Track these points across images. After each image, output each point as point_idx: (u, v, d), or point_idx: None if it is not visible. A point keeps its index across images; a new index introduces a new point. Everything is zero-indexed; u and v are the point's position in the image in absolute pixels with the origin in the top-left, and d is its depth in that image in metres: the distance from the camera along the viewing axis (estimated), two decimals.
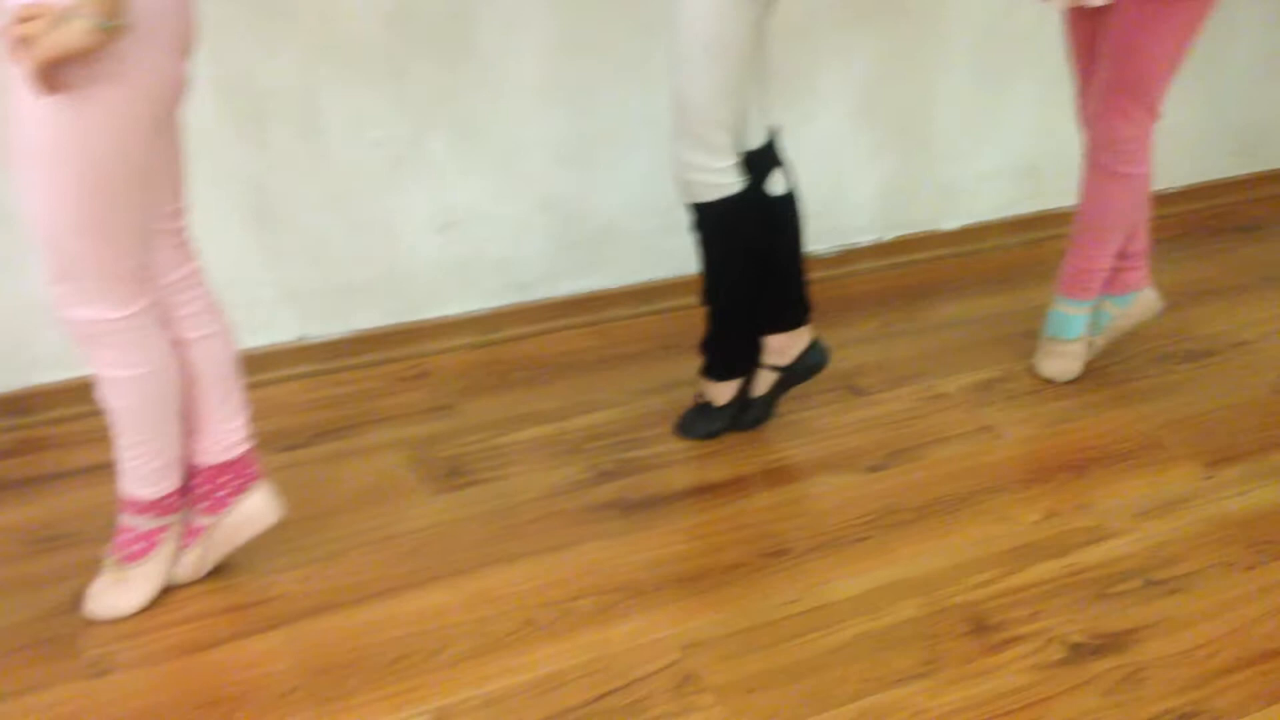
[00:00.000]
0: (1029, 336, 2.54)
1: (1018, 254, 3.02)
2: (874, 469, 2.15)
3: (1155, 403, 2.35)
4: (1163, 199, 3.24)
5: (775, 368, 2.24)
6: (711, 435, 2.22)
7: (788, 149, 2.77)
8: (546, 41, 2.39)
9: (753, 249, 2.09)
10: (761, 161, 2.10)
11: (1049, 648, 1.73)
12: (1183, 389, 2.40)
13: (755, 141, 2.08)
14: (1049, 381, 2.41)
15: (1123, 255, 2.43)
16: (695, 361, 2.25)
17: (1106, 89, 2.23)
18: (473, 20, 2.32)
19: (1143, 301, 2.49)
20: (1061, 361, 2.44)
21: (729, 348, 2.21)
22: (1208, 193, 3.25)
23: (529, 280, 2.53)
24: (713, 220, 2.06)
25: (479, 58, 2.35)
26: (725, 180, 2.01)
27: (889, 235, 2.91)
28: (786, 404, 2.31)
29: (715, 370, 2.23)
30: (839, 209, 2.85)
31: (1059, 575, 1.88)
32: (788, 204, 2.14)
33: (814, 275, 2.87)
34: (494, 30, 2.34)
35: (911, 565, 1.90)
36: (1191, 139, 3.18)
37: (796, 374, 2.25)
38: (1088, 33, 2.28)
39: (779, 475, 2.12)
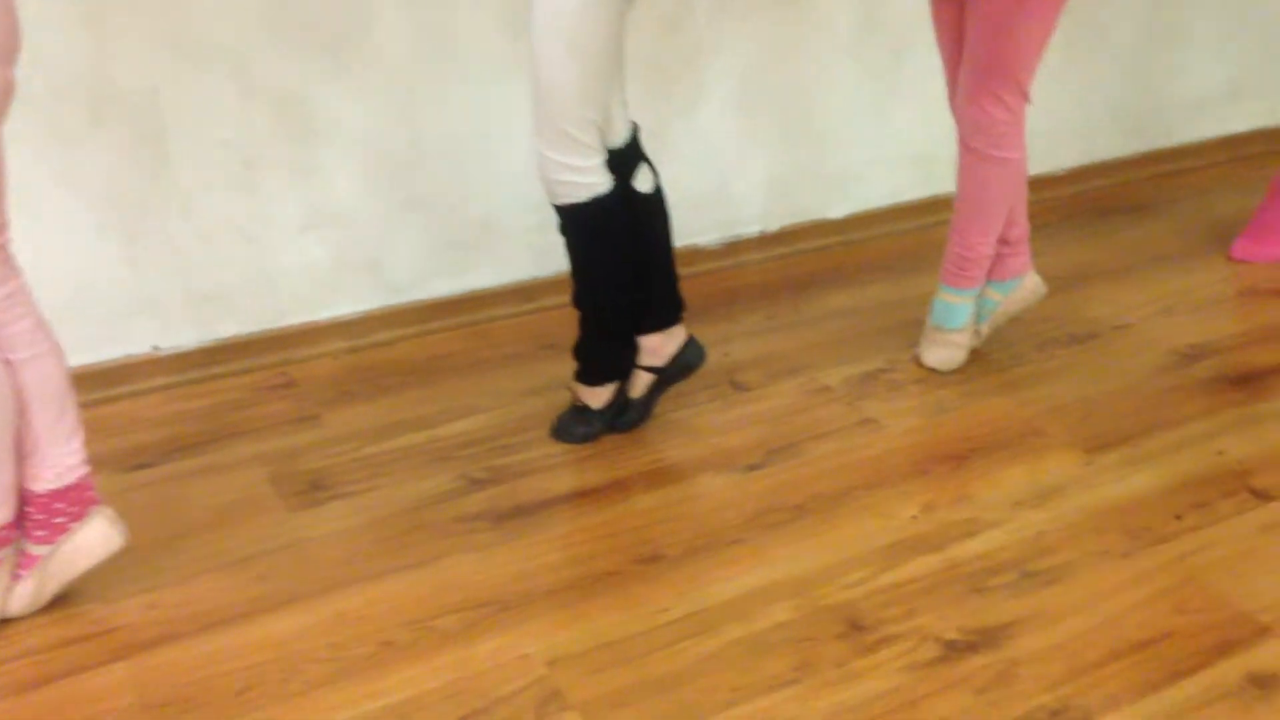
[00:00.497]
0: (917, 325, 2.52)
1: (908, 240, 3.00)
2: (753, 468, 2.10)
3: (1037, 389, 2.35)
4: (1050, 181, 3.26)
5: (651, 368, 2.18)
6: (588, 439, 2.15)
7: (670, 141, 2.74)
8: (409, 33, 2.30)
9: (622, 249, 2.03)
10: (626, 159, 2.03)
11: (922, 646, 1.70)
12: (1064, 374, 2.40)
13: (619, 139, 2.02)
14: (933, 371, 2.41)
15: (1004, 241, 2.41)
16: (564, 363, 2.19)
17: (976, 73, 2.20)
18: (327, 11, 2.22)
19: (1026, 287, 2.48)
20: (945, 350, 2.43)
21: (602, 351, 2.14)
22: (1096, 173, 3.27)
23: (401, 282, 2.44)
24: (582, 221, 1.99)
25: (335, 51, 2.25)
26: (593, 180, 1.94)
27: (776, 225, 2.87)
28: (667, 402, 2.26)
29: (589, 374, 2.16)
30: (724, 200, 2.80)
31: (935, 570, 1.85)
32: (655, 201, 2.09)
33: (700, 268, 2.86)
34: (352, 21, 2.24)
35: (787, 566, 1.86)
36: (1077, 120, 3.19)
37: (672, 373, 2.20)
38: (954, 17, 2.25)
39: (656, 477, 2.07)
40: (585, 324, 2.14)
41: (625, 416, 2.19)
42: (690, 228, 2.77)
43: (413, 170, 2.39)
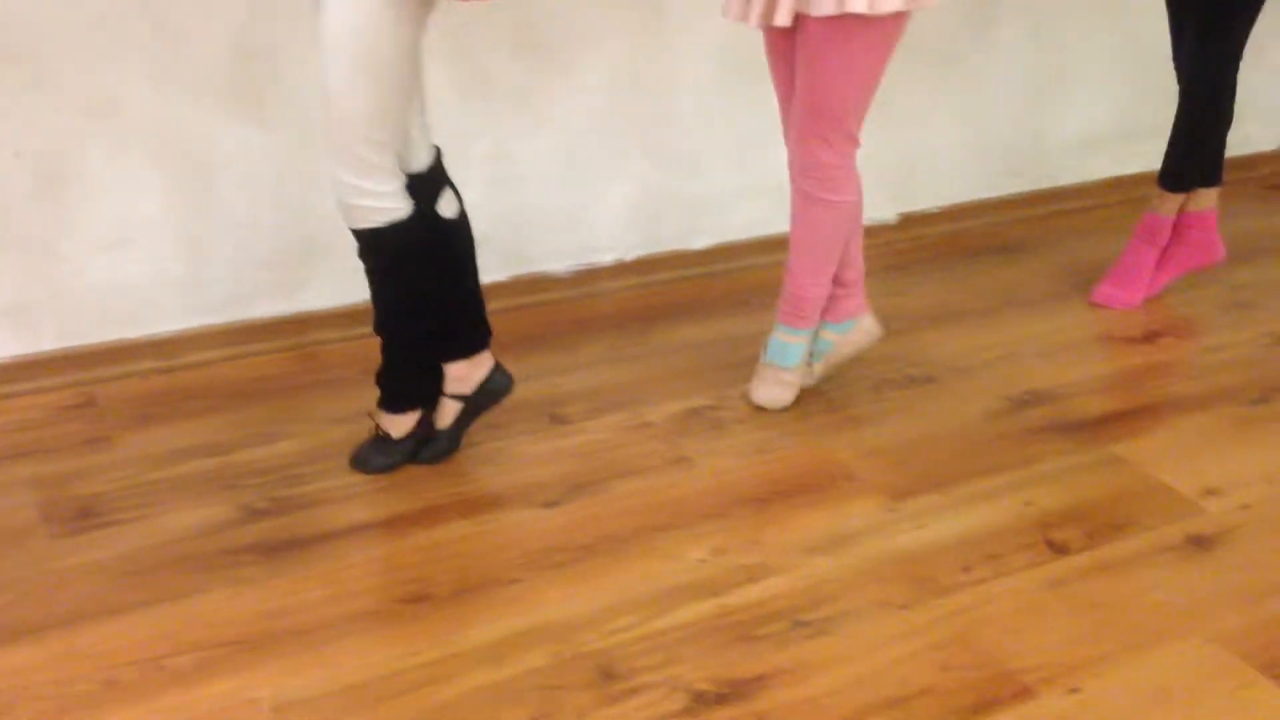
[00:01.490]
0: (756, 361, 2.47)
1: (768, 274, 2.93)
2: (550, 504, 2.06)
3: (860, 431, 2.31)
4: (924, 219, 3.23)
5: (458, 396, 2.15)
6: (388, 469, 2.11)
7: (521, 163, 2.69)
8: (227, 41, 2.26)
9: (423, 275, 2.00)
10: (429, 183, 2.00)
11: (670, 697, 1.65)
12: (891, 417, 2.36)
13: (421, 163, 1.99)
14: (761, 409, 2.38)
15: (838, 283, 2.38)
16: None
17: (804, 115, 2.17)
18: (132, 17, 2.16)
19: (861, 329, 2.44)
20: (775, 389, 2.39)
21: (404, 378, 2.11)
22: (971, 212, 3.23)
23: (218, 301, 2.40)
24: (380, 247, 1.96)
25: (154, 58, 2.20)
26: (390, 205, 1.91)
27: (633, 254, 2.84)
28: (481, 433, 2.22)
29: (391, 402, 2.12)
30: (578, 226, 2.77)
31: (707, 617, 1.81)
32: (460, 226, 2.06)
33: (549, 296, 2.82)
34: (167, 29, 2.19)
35: (557, 609, 1.81)
36: (955, 158, 3.16)
37: (479, 402, 2.16)
38: (786, 54, 2.23)
39: (447, 512, 2.03)
40: (387, 350, 2.10)
41: (433, 446, 2.14)
42: (541, 253, 2.75)
43: (234, 185, 2.35)
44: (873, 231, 3.19)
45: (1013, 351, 2.61)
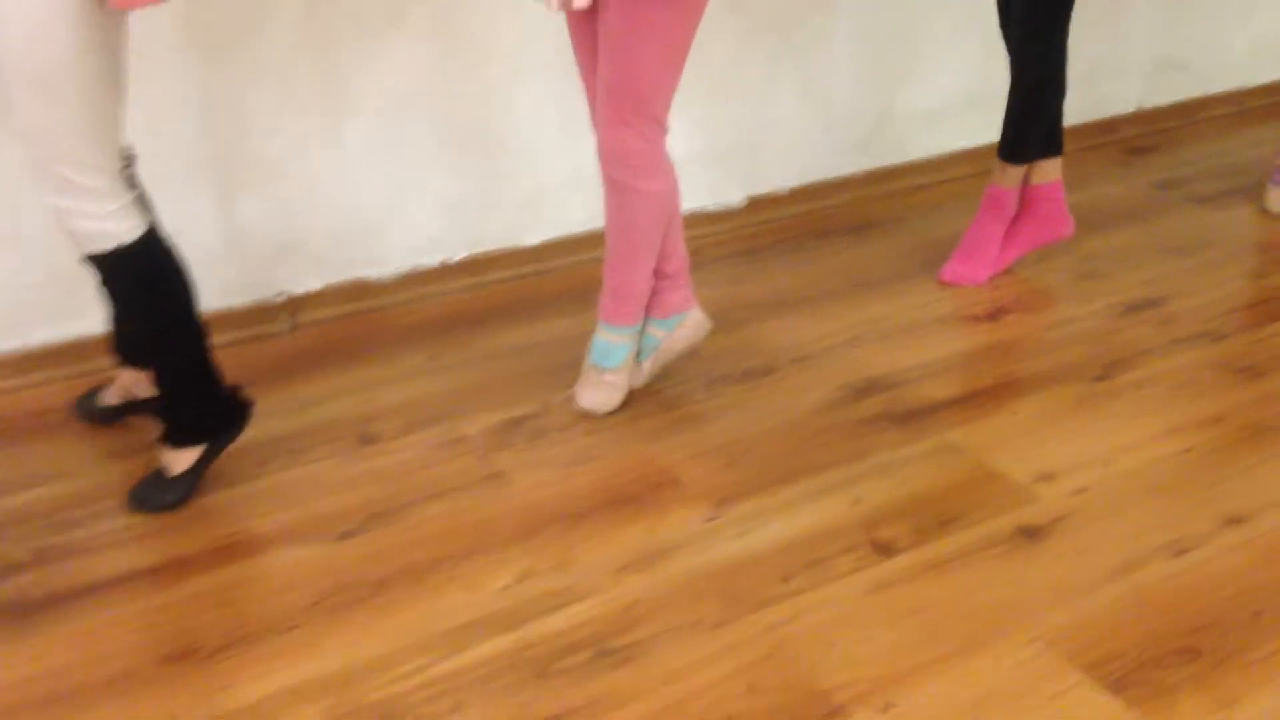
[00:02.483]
0: None
1: None
2: (346, 536, 1.90)
3: (690, 433, 2.19)
4: (773, 201, 3.12)
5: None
6: (170, 507, 1.93)
7: (320, 164, 2.45)
8: None
9: (172, 298, 1.82)
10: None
11: None
12: (726, 415, 2.24)
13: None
14: (588, 414, 2.26)
15: (661, 275, 2.26)
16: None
17: (608, 99, 2.03)
18: None
19: (689, 324, 2.31)
20: (601, 392, 2.25)
21: (186, 409, 1.93)
22: (821, 192, 3.11)
23: None
24: (119, 273, 1.79)
25: None
26: (113, 228, 1.73)
27: (459, 255, 2.69)
28: (282, 459, 2.05)
29: (173, 435, 1.96)
30: (397, 228, 2.58)
31: (504, 653, 1.67)
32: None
33: (369, 304, 2.64)
34: None
35: (339, 656, 1.66)
36: (801, 136, 3.04)
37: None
38: (589, 38, 2.09)
39: (230, 552, 1.86)
40: (160, 383, 1.93)
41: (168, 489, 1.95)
42: (357, 260, 2.57)
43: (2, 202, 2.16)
44: (720, 217, 3.08)
45: (855, 336, 2.51)
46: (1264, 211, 3.06)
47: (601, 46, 2.01)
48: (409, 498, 2.00)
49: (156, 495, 1.93)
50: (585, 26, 2.09)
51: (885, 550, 1.88)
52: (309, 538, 1.90)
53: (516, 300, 2.67)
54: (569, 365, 2.37)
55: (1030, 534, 1.92)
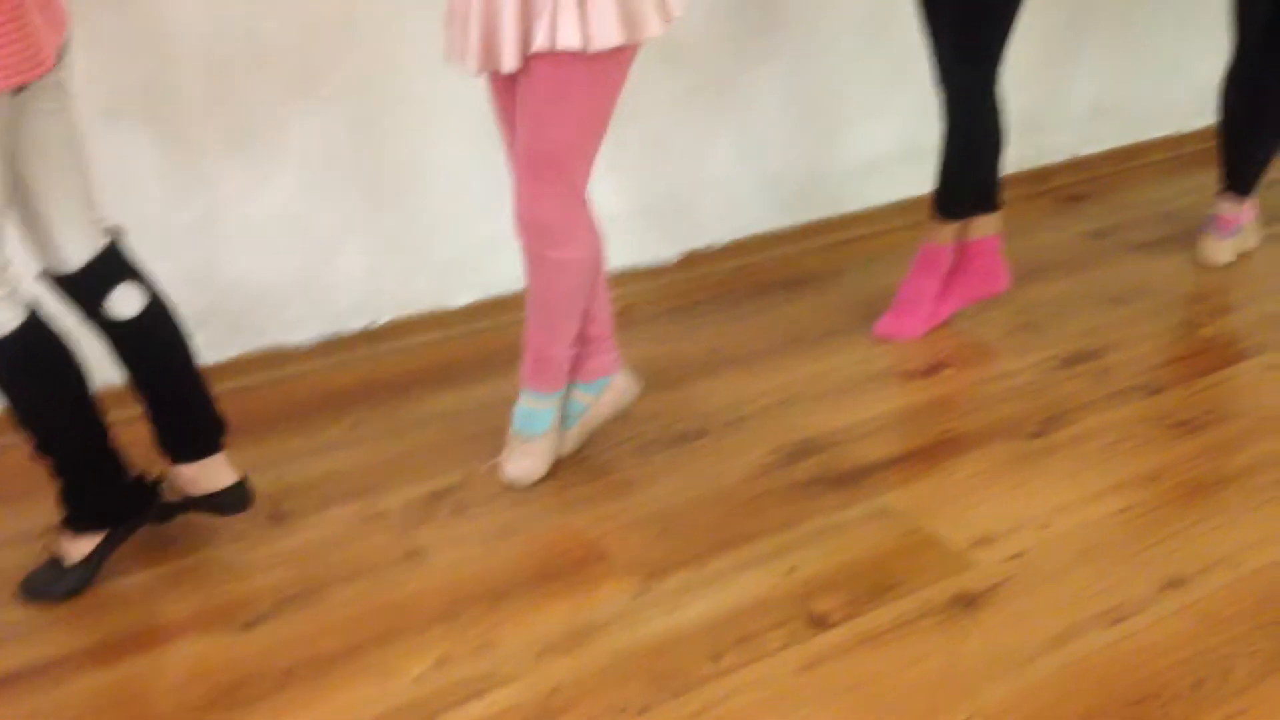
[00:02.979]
0: None
1: None
2: (251, 625, 1.80)
3: (619, 502, 2.11)
4: (708, 256, 3.07)
5: (189, 497, 1.92)
6: (62, 597, 1.82)
7: (234, 227, 2.37)
8: None
9: (63, 386, 1.73)
10: (88, 282, 1.75)
11: None
12: (656, 482, 2.16)
13: (73, 262, 1.73)
14: (512, 485, 2.18)
15: (585, 340, 2.19)
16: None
17: (523, 164, 1.97)
18: None
19: (616, 388, 2.24)
20: (524, 461, 2.16)
21: (84, 495, 1.83)
22: (757, 246, 3.07)
23: None
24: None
25: None
26: None
27: (384, 318, 2.60)
28: (183, 543, 1.95)
29: (73, 521, 1.84)
30: (315, 290, 2.50)
31: None
32: (145, 323, 1.80)
33: (288, 372, 2.53)
34: None
35: None
36: (736, 189, 3.00)
37: (201, 506, 1.94)
38: (510, 103, 2.01)
39: (126, 646, 1.75)
40: (55, 468, 1.82)
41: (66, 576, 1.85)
42: (275, 325, 2.48)
43: None
44: (653, 274, 3.03)
45: (790, 396, 2.45)
46: (1197, 264, 3.08)
47: (520, 112, 1.96)
48: (321, 580, 1.90)
49: (49, 585, 1.82)
50: (506, 92, 2.02)
51: (820, 623, 1.81)
52: (212, 628, 1.80)
53: (444, 364, 2.59)
54: (497, 431, 2.27)
55: (967, 603, 1.85)
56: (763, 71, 2.95)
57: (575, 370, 2.21)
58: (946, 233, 2.67)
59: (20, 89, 1.55)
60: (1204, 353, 2.66)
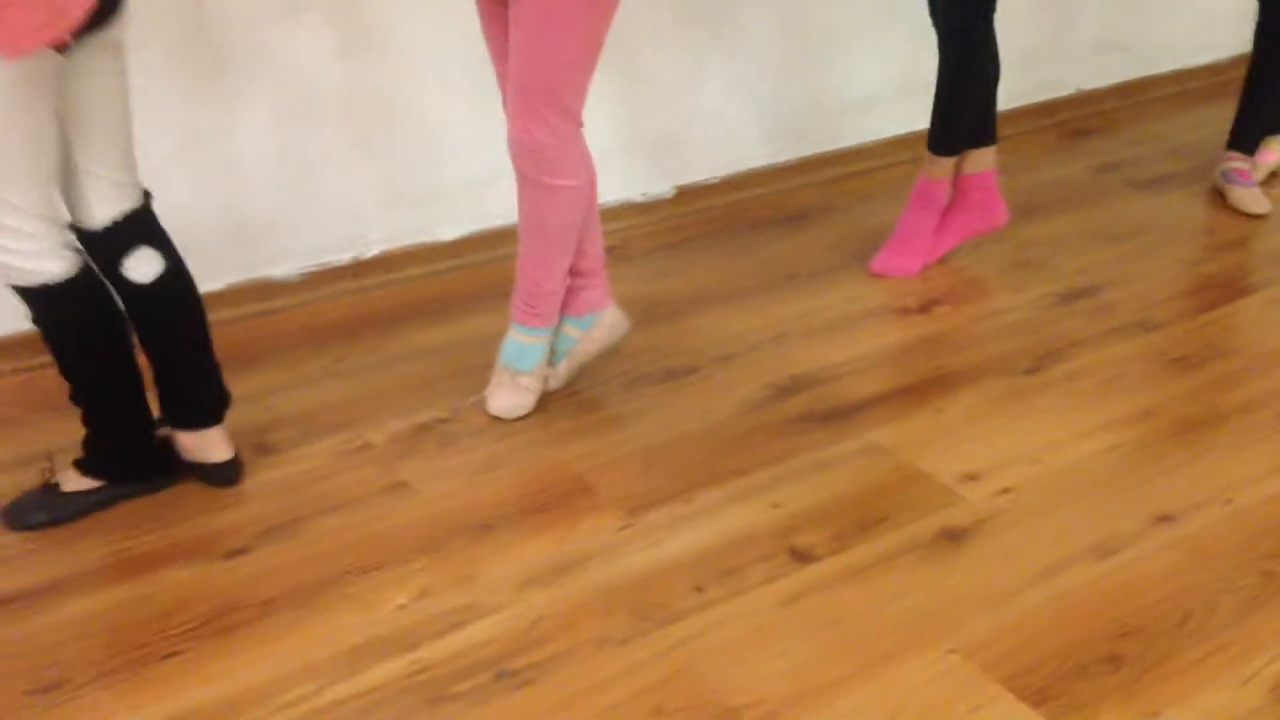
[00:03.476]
0: None
1: None
2: (235, 554, 1.80)
3: (606, 437, 2.09)
4: (703, 191, 3.01)
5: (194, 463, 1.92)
6: (37, 527, 1.81)
7: (215, 158, 2.32)
8: None
9: (92, 343, 1.75)
10: (109, 243, 1.74)
11: None
12: (644, 417, 2.14)
13: (97, 219, 1.72)
14: (499, 419, 2.17)
15: (575, 273, 2.15)
16: (62, 431, 1.87)
17: (518, 91, 1.92)
18: None
19: (605, 323, 2.21)
20: (513, 395, 2.14)
21: (105, 448, 1.84)
22: (753, 181, 3.01)
23: None
24: (37, 308, 1.72)
25: None
26: (35, 266, 1.66)
27: (373, 251, 2.56)
28: (169, 478, 1.92)
29: (83, 459, 1.84)
30: (302, 224, 2.46)
31: (397, 678, 1.57)
32: (158, 291, 1.80)
33: (275, 305, 2.50)
34: None
35: (219, 685, 1.55)
36: (726, 125, 2.94)
37: (192, 472, 1.93)
38: (501, 28, 1.96)
39: (109, 574, 1.75)
40: (85, 419, 1.83)
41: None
42: (260, 258, 2.44)
43: None
44: (648, 208, 2.98)
45: (783, 332, 2.42)
46: (1232, 209, 2.95)
47: (513, 37, 1.90)
48: (305, 511, 1.89)
49: (28, 514, 1.81)
50: (497, 16, 1.97)
51: (803, 558, 1.80)
52: (195, 557, 1.79)
53: (432, 298, 2.56)
54: (484, 366, 2.25)
55: (953, 537, 1.84)
56: (755, 6, 2.88)
57: (566, 304, 2.17)
58: (942, 167, 2.61)
59: (65, 48, 1.55)
60: (1205, 289, 2.62)
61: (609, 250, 2.28)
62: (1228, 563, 1.79)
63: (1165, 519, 1.88)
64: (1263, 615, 1.68)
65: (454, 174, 2.62)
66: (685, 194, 2.95)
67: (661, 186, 2.91)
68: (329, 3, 2.33)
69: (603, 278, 2.20)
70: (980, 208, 2.69)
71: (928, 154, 2.61)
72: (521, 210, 2.07)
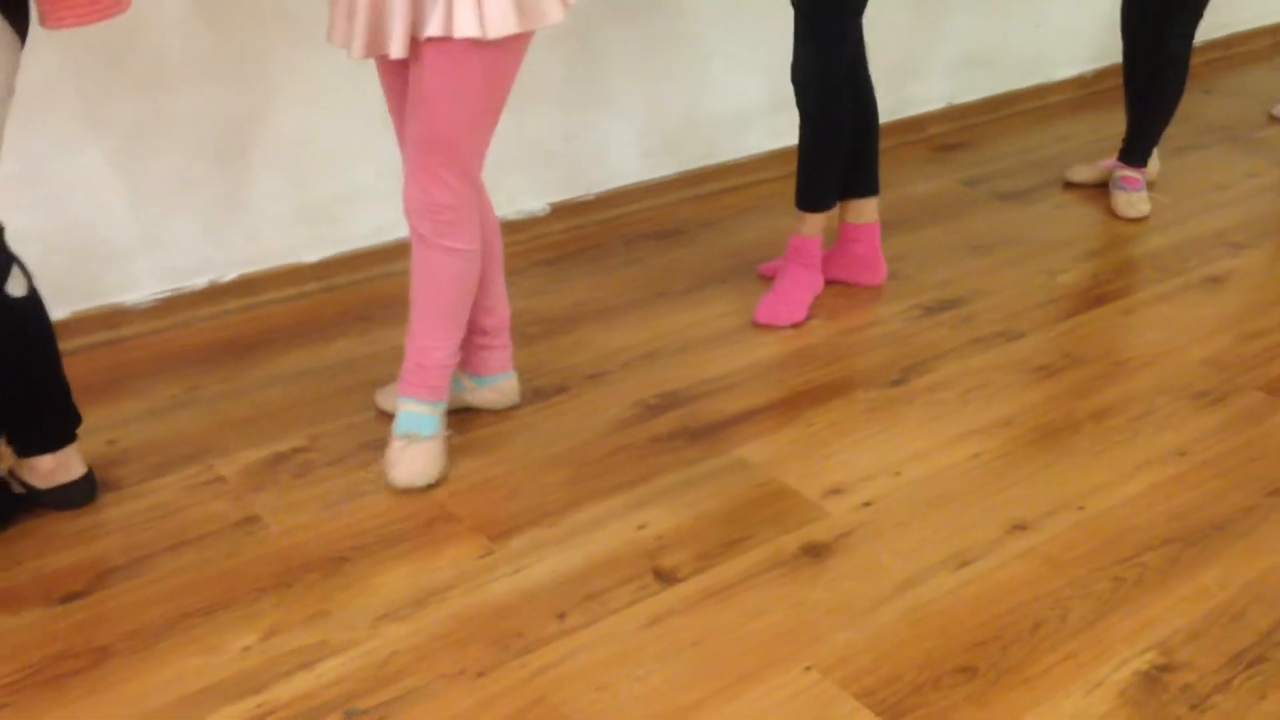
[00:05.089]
0: (370, 387, 2.17)
1: (396, 284, 2.66)
2: (70, 597, 1.70)
3: (471, 461, 2.04)
4: (579, 207, 3.00)
5: (28, 486, 1.82)
6: None
7: (64, 177, 2.22)
8: None
9: None
10: None
11: None
12: (511, 439, 2.11)
13: None
14: (404, 491, 1.94)
15: (479, 331, 2.08)
16: None
17: (414, 148, 1.85)
18: None
19: (501, 389, 2.14)
20: (414, 465, 1.94)
21: None
22: (629, 197, 2.99)
23: None
24: None
25: None
26: None
27: (229, 274, 2.46)
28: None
29: None
30: (151, 248, 2.36)
31: None
32: (32, 304, 1.73)
33: (123, 333, 2.38)
34: None
35: None
36: (603, 141, 2.92)
37: (48, 500, 1.84)
38: (400, 85, 1.90)
39: None
40: None
41: None
42: (111, 284, 2.34)
43: None
44: (522, 225, 2.94)
45: (656, 349, 2.40)
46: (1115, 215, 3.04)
47: (412, 97, 1.84)
48: (148, 550, 1.80)
49: None
50: (396, 75, 1.90)
51: (667, 579, 1.78)
52: (27, 603, 1.69)
53: (295, 322, 2.48)
54: (347, 391, 2.20)
55: (815, 553, 1.84)
56: (625, 22, 2.85)
57: (468, 360, 2.11)
58: (812, 225, 2.53)
59: None
60: (1064, 298, 2.69)
61: None
62: (1079, 569, 1.83)
63: (1020, 527, 1.91)
64: (1111, 620, 1.72)
65: (314, 195, 2.54)
66: (561, 210, 2.93)
67: (536, 204, 2.90)
68: (177, 20, 2.25)
69: (507, 338, 2.14)
70: (863, 262, 2.63)
71: (797, 211, 2.54)
72: (414, 274, 1.96)
